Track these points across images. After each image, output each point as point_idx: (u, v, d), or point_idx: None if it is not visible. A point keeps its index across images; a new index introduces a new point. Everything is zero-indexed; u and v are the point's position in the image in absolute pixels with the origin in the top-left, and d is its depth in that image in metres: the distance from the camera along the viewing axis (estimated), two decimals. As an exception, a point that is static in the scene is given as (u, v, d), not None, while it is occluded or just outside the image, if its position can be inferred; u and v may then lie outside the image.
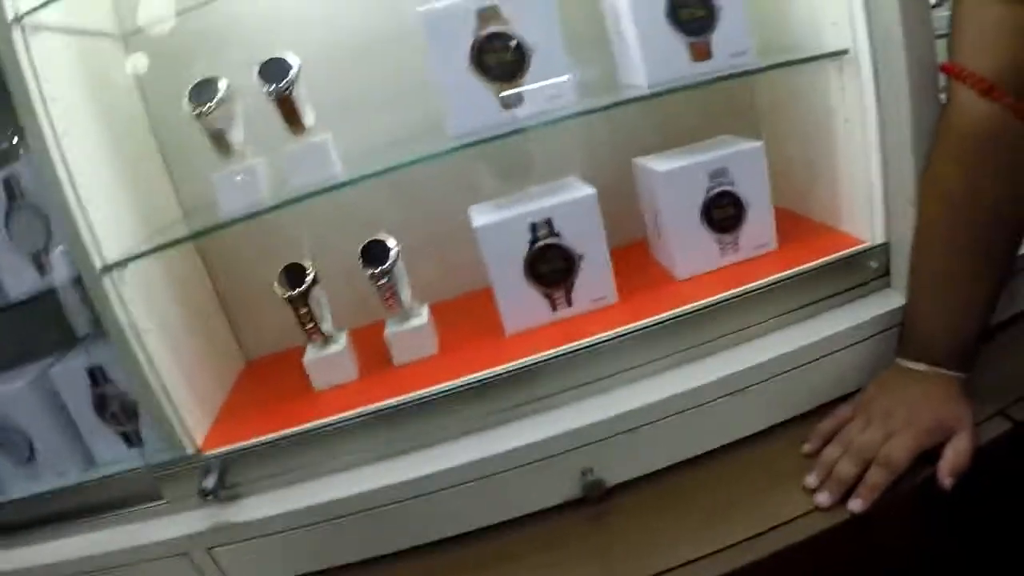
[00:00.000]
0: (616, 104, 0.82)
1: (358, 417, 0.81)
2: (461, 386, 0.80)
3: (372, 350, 0.93)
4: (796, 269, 0.85)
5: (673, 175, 0.86)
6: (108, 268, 0.78)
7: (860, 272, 0.88)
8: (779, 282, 0.84)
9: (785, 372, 0.81)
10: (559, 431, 0.77)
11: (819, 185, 0.96)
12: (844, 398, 0.81)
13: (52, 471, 0.92)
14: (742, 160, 0.88)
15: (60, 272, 0.84)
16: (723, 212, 0.89)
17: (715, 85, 0.84)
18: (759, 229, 0.91)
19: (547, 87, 0.81)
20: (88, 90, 0.85)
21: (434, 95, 0.84)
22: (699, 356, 0.83)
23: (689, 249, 0.89)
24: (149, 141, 1.00)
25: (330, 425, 0.82)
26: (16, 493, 0.90)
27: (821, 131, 0.92)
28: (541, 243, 0.84)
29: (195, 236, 0.88)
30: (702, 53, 0.84)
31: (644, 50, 0.82)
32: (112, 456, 0.90)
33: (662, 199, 0.88)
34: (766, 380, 0.81)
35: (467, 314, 0.97)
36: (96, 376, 0.89)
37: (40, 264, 0.86)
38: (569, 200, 0.84)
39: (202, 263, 1.05)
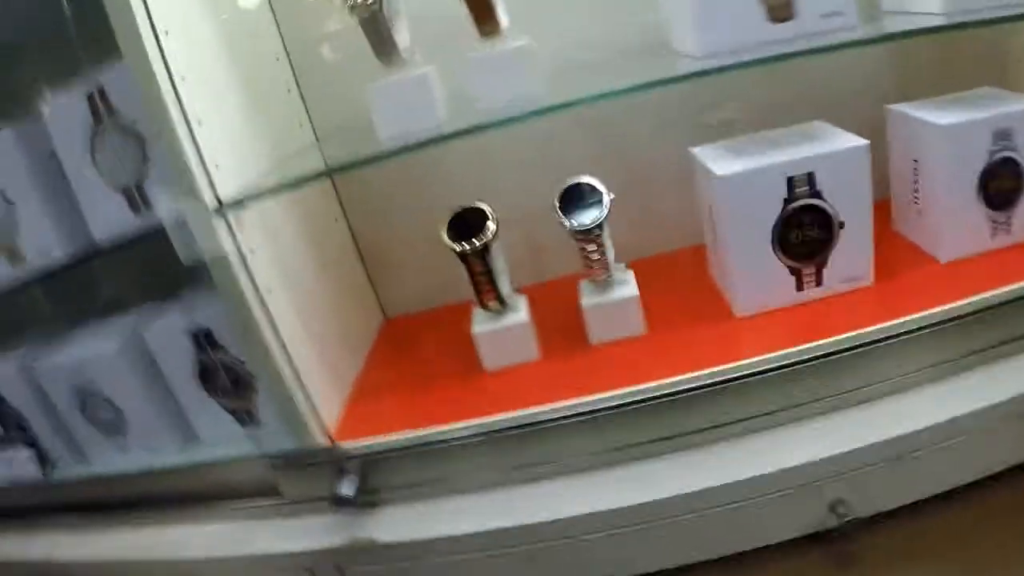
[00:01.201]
0: (912, 32, 0.64)
1: (549, 419, 0.63)
2: (683, 385, 0.62)
3: (551, 319, 0.74)
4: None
5: (954, 131, 0.68)
6: (222, 207, 0.60)
7: None
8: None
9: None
10: (807, 458, 0.60)
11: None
12: None
13: (144, 446, 0.75)
14: (1030, 121, 0.71)
15: (159, 210, 0.65)
16: (1002, 183, 0.71)
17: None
18: (1035, 208, 0.74)
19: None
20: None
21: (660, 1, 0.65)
22: (979, 364, 0.66)
23: (958, 226, 0.71)
24: (276, 44, 0.79)
25: (513, 426, 0.63)
26: (102, 468, 0.75)
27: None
28: (799, 203, 0.66)
29: (341, 169, 0.67)
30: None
31: None
32: (220, 436, 0.72)
33: (935, 160, 0.70)
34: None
35: (680, 282, 0.78)
36: (200, 340, 0.69)
37: (133, 200, 0.66)
38: (836, 151, 0.65)
39: (338, 202, 0.85)
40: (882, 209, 0.81)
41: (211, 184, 0.59)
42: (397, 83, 0.63)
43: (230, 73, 0.67)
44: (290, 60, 0.79)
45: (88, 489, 0.79)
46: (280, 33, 0.79)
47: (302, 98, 0.80)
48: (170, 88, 0.56)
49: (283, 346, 0.65)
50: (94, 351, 0.73)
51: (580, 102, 0.61)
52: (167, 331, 0.72)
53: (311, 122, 0.80)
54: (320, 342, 0.71)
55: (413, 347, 0.81)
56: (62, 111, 0.65)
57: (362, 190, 0.83)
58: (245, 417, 0.74)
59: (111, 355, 0.72)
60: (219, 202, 0.60)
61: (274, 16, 0.78)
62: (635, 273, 0.73)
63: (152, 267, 0.74)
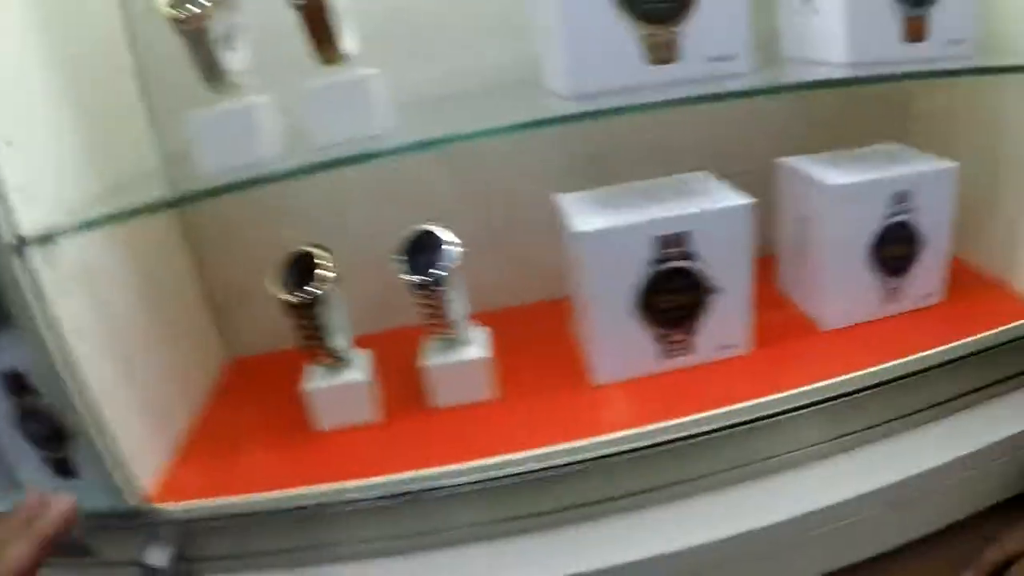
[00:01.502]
0: (814, 84, 0.58)
1: (373, 495, 0.57)
2: (529, 465, 0.56)
3: (399, 374, 0.67)
4: (972, 339, 0.64)
5: (848, 192, 0.62)
6: (22, 244, 0.51)
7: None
8: (958, 357, 0.64)
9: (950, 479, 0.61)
10: (663, 548, 0.55)
11: (994, 225, 0.75)
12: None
13: None
14: (931, 184, 0.65)
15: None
16: (896, 249, 0.66)
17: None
18: (929, 276, 0.69)
19: (716, 38, 0.56)
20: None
21: (532, 31, 0.58)
22: (859, 444, 0.62)
23: (846, 292, 0.66)
24: (121, 59, 0.69)
25: (330, 502, 0.57)
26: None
27: (1011, 160, 0.70)
28: (667, 265, 0.60)
29: (171, 204, 0.59)
30: (917, 32, 0.61)
31: (851, 15, 0.58)
32: (42, 486, 0.64)
33: (825, 221, 0.64)
34: (926, 489, 0.61)
35: (542, 339, 0.72)
36: (15, 383, 0.61)
37: None
38: (713, 211, 0.59)
39: (180, 234, 0.76)
40: (770, 265, 0.76)
41: (10, 214, 0.51)
42: (221, 114, 0.55)
43: (53, 89, 0.58)
44: (140, 75, 0.70)
45: None
46: (131, 50, 0.70)
47: (149, 119, 0.71)
48: None
49: (92, 395, 0.58)
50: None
51: (426, 146, 0.54)
52: None
53: (158, 146, 0.71)
54: (145, 389, 0.63)
55: (254, 395, 0.73)
56: None
57: (208, 222, 0.74)
58: (61, 468, 0.67)
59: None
60: (20, 234, 0.52)
61: (123, 27, 0.69)
62: (495, 327, 0.67)
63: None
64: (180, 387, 0.71)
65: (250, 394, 0.74)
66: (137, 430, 0.62)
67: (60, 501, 0.39)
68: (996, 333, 0.66)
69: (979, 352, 0.65)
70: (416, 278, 0.57)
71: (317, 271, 0.59)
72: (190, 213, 0.73)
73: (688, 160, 0.69)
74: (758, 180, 0.70)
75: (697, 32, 0.56)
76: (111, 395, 0.59)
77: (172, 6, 0.51)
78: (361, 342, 0.68)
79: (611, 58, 0.56)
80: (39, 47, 0.57)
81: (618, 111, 0.54)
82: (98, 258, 0.61)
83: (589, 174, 0.67)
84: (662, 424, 0.58)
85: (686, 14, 0.56)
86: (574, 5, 0.55)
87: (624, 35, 0.56)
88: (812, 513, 0.58)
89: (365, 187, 0.70)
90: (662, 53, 0.57)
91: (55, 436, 0.64)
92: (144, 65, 0.70)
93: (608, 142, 0.70)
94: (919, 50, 0.62)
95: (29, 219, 0.51)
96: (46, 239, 0.53)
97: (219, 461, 0.64)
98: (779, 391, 0.60)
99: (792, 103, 0.74)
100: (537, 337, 0.71)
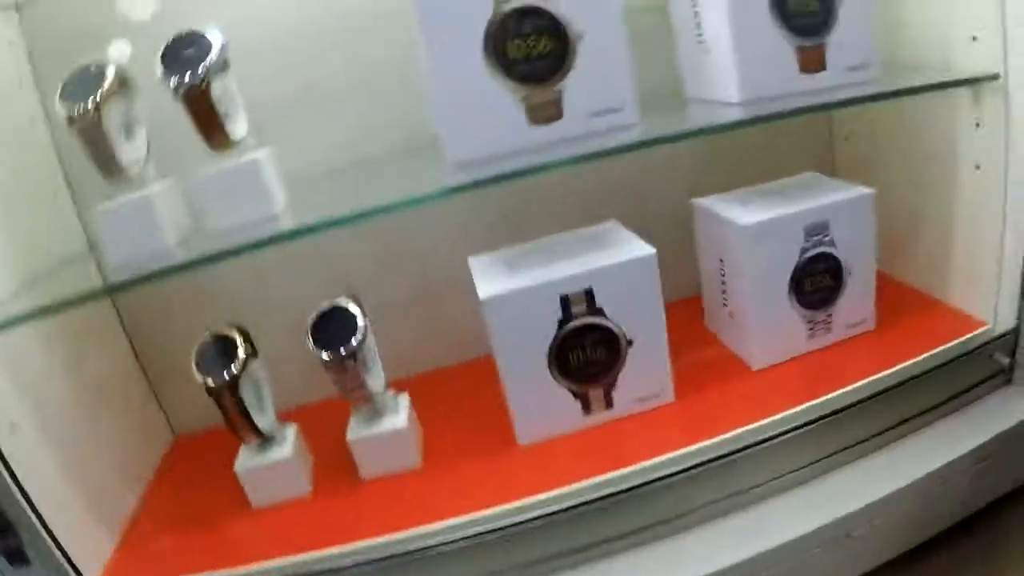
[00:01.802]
0: (713, 129, 0.58)
1: (308, 571, 0.56)
2: (457, 530, 0.56)
3: (328, 446, 0.67)
4: (908, 363, 0.63)
5: (760, 230, 0.62)
6: None
7: (980, 367, 0.67)
8: (896, 384, 0.63)
9: (891, 509, 0.60)
10: None
11: (923, 244, 0.74)
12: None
13: None
14: (847, 212, 0.65)
15: None
16: (819, 281, 0.66)
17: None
18: (857, 304, 0.68)
19: (599, 92, 0.56)
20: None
21: (423, 97, 0.58)
22: (779, 490, 0.61)
23: (771, 330, 0.66)
24: (37, 145, 0.70)
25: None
26: None
27: (936, 177, 0.70)
28: (575, 323, 0.60)
29: (54, 308, 0.58)
30: (814, 62, 0.61)
31: (739, 51, 0.58)
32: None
33: (742, 261, 0.64)
34: (870, 522, 0.60)
35: (465, 401, 0.72)
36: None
37: None
38: (617, 264, 0.59)
39: (116, 317, 0.77)
40: (698, 305, 0.76)
41: None
42: (122, 205, 0.55)
43: None
44: (64, 164, 0.72)
45: None
46: (54, 139, 0.71)
47: (73, 205, 0.72)
48: None
49: (30, 487, 0.58)
50: None
51: (316, 229, 0.54)
52: None
53: (84, 228, 0.73)
54: (85, 477, 0.64)
55: (197, 473, 0.74)
56: None
57: (139, 307, 0.76)
58: (15, 557, 0.68)
59: None
60: None
61: (46, 121, 0.70)
62: (417, 391, 0.67)
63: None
64: (123, 470, 0.71)
65: (193, 472, 0.74)
66: (80, 519, 0.63)
67: None
68: (933, 354, 0.65)
69: (919, 375, 0.64)
70: (326, 354, 0.58)
71: (236, 353, 0.59)
72: (119, 299, 0.74)
73: (606, 207, 0.69)
74: (679, 220, 0.70)
75: (579, 88, 0.56)
76: (49, 486, 0.60)
77: (65, 103, 0.52)
78: (290, 416, 0.69)
79: (491, 123, 0.56)
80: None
81: (504, 177, 0.54)
82: (25, 351, 0.62)
83: (502, 231, 0.67)
84: (588, 482, 0.57)
85: (565, 72, 0.55)
86: (447, 72, 0.54)
87: (502, 98, 0.55)
88: (755, 558, 0.57)
89: (280, 263, 0.71)
90: (544, 113, 0.57)
91: (3, 526, 0.66)
92: (66, 151, 0.71)
93: (518, 197, 0.71)
94: (818, 80, 0.61)
95: None
96: None
97: (164, 544, 0.64)
98: (705, 438, 0.59)
99: (706, 140, 0.74)
100: (460, 399, 0.71)
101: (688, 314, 0.76)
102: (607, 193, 0.73)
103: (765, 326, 0.66)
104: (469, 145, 0.56)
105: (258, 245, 0.54)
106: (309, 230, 0.54)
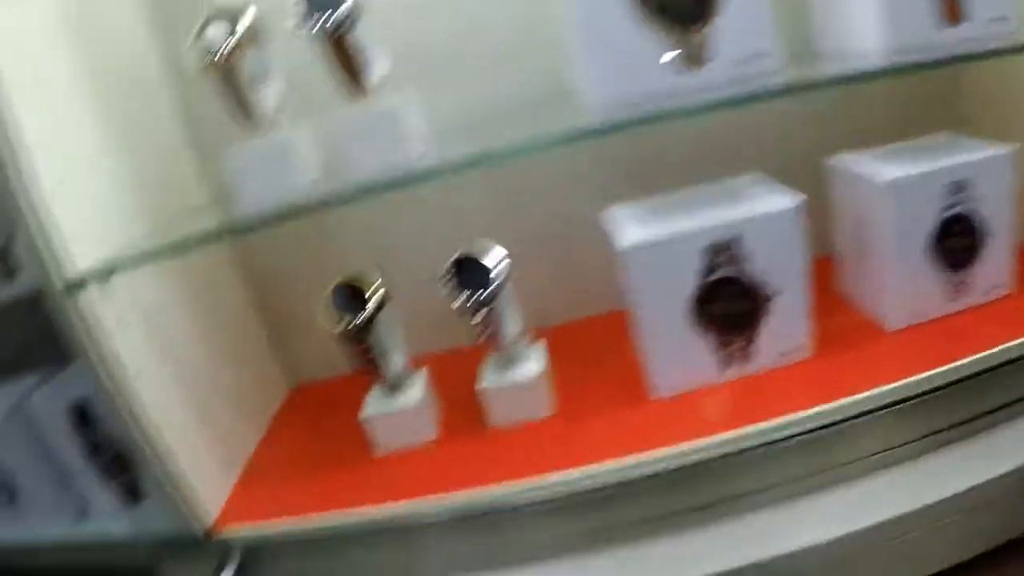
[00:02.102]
0: (861, 76, 0.56)
1: (434, 513, 0.57)
2: (586, 482, 0.56)
3: (456, 395, 0.67)
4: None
5: (901, 187, 0.61)
6: (76, 284, 0.53)
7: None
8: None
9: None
10: (730, 564, 0.53)
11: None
12: None
13: (39, 517, 0.70)
14: (988, 172, 0.62)
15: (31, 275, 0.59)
16: (958, 241, 0.64)
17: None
18: (996, 267, 0.66)
19: (743, 37, 0.55)
20: (64, 20, 0.58)
21: (563, 45, 0.58)
22: (931, 449, 0.59)
23: (907, 290, 0.64)
24: (170, 96, 0.73)
25: (382, 522, 0.57)
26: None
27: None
28: (717, 275, 0.59)
29: (219, 234, 0.61)
30: (954, 13, 0.59)
31: (882, 1, 0.57)
32: (108, 513, 0.67)
33: (880, 219, 0.63)
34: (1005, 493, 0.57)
35: (598, 353, 0.71)
36: (81, 414, 0.64)
37: (3, 263, 0.60)
38: (761, 215, 0.58)
39: (236, 266, 0.78)
40: (828, 267, 0.74)
41: (61, 254, 0.53)
42: (255, 149, 0.57)
43: (102, 131, 0.61)
44: (186, 113, 0.73)
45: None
46: (175, 89, 0.73)
47: (199, 157, 0.74)
48: (12, 149, 0.50)
49: (156, 424, 0.59)
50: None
51: (457, 169, 0.54)
52: (50, 401, 0.66)
53: (208, 181, 0.74)
54: (206, 418, 0.65)
55: (314, 420, 0.75)
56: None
57: (262, 253, 0.76)
58: (129, 495, 0.69)
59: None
60: (70, 276, 0.53)
61: (165, 71, 0.72)
62: (550, 343, 0.66)
63: (39, 331, 0.69)
64: (243, 414, 0.72)
65: (312, 420, 0.75)
66: (202, 457, 0.64)
67: None
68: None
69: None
70: (465, 299, 0.58)
71: (368, 296, 0.59)
72: (243, 247, 0.75)
73: (738, 162, 0.68)
74: (811, 178, 0.69)
75: (725, 33, 0.55)
76: (174, 423, 0.61)
77: (202, 47, 0.53)
78: (417, 362, 0.69)
79: (639, 65, 0.55)
80: (87, 92, 0.60)
81: (647, 120, 0.53)
82: (154, 293, 0.63)
83: (636, 183, 0.66)
84: (726, 436, 0.56)
85: (710, 16, 0.54)
86: (597, 15, 0.54)
87: (647, 41, 0.55)
88: (885, 523, 0.55)
89: (410, 213, 0.71)
90: (691, 57, 0.56)
91: (122, 464, 0.67)
92: (191, 103, 0.73)
93: (653, 150, 0.70)
94: (959, 32, 0.59)
95: (83, 258, 0.54)
96: (101, 276, 0.56)
97: (282, 486, 0.65)
98: (846, 395, 0.58)
99: (836, 97, 0.72)
100: (593, 352, 0.71)
101: (819, 273, 0.74)
102: (739, 148, 0.72)
103: (902, 286, 0.64)
104: (611, 89, 0.56)
105: (393, 185, 0.54)
106: (450, 169, 0.54)
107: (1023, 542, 0.59)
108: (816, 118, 0.74)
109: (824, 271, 0.74)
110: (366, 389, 0.67)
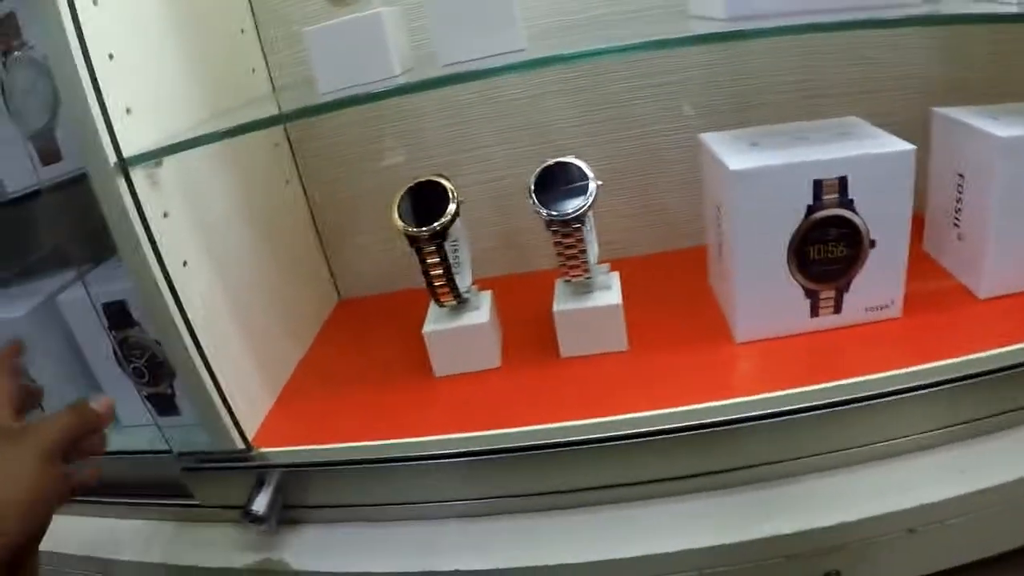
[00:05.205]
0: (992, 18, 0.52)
1: (491, 448, 0.52)
2: (658, 424, 0.52)
3: (522, 321, 0.63)
4: None
5: (1016, 145, 0.57)
6: (128, 162, 0.48)
7: None
8: None
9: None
10: (801, 526, 0.50)
11: None
12: None
13: None
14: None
15: (73, 160, 0.55)
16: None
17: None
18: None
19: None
20: None
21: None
22: (1005, 426, 0.56)
23: (1006, 257, 0.60)
24: None
25: (445, 453, 0.53)
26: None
27: None
28: (824, 212, 0.55)
29: (277, 120, 0.56)
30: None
31: None
32: (138, 421, 0.62)
33: (987, 177, 0.58)
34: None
35: (676, 290, 0.66)
36: (115, 314, 0.59)
37: (45, 148, 0.56)
38: (875, 155, 0.54)
39: (292, 163, 0.72)
40: (913, 226, 0.71)
41: (113, 132, 0.48)
42: (341, 26, 0.51)
43: (159, 9, 0.55)
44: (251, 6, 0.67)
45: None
46: None
47: (259, 40, 0.68)
48: (68, 11, 0.45)
49: (198, 327, 0.54)
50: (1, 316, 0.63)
51: (561, 59, 0.49)
52: (82, 299, 0.61)
53: (268, 69, 0.69)
54: (250, 325, 0.60)
55: (365, 337, 0.70)
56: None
57: (321, 150, 0.71)
58: (162, 404, 0.65)
59: (19, 321, 0.63)
60: (122, 155, 0.48)
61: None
62: (624, 276, 0.62)
63: (70, 225, 0.64)
64: (289, 326, 0.68)
65: (359, 336, 0.71)
66: (244, 368, 0.60)
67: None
68: None
69: None
70: (554, 214, 0.53)
71: (447, 202, 0.55)
72: (301, 144, 0.70)
73: (830, 106, 0.64)
74: (907, 130, 0.65)
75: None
76: (218, 329, 0.56)
77: None
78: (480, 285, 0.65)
79: None
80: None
81: (775, 32, 0.48)
82: (204, 180, 0.58)
83: (728, 117, 0.62)
84: (800, 390, 0.52)
85: None
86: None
87: None
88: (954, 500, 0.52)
89: (488, 120, 0.66)
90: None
91: (158, 371, 0.62)
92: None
93: (749, 83, 0.66)
94: None
95: (133, 138, 0.49)
96: (150, 158, 0.51)
97: (325, 406, 0.61)
98: (934, 360, 0.54)
99: (948, 47, 0.68)
100: (668, 288, 0.67)
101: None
102: (834, 92, 0.68)
103: (1003, 252, 0.60)
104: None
105: (481, 74, 0.48)
106: (541, 62, 0.48)
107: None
108: (913, 66, 0.69)
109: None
110: (418, 307, 0.63)
